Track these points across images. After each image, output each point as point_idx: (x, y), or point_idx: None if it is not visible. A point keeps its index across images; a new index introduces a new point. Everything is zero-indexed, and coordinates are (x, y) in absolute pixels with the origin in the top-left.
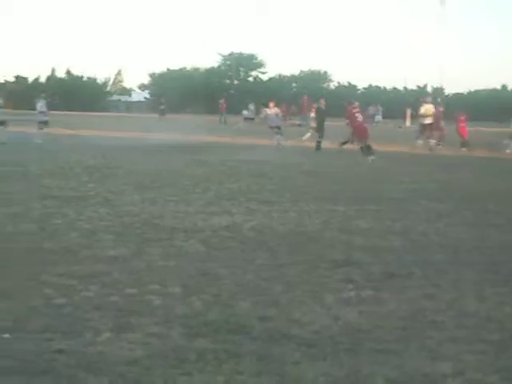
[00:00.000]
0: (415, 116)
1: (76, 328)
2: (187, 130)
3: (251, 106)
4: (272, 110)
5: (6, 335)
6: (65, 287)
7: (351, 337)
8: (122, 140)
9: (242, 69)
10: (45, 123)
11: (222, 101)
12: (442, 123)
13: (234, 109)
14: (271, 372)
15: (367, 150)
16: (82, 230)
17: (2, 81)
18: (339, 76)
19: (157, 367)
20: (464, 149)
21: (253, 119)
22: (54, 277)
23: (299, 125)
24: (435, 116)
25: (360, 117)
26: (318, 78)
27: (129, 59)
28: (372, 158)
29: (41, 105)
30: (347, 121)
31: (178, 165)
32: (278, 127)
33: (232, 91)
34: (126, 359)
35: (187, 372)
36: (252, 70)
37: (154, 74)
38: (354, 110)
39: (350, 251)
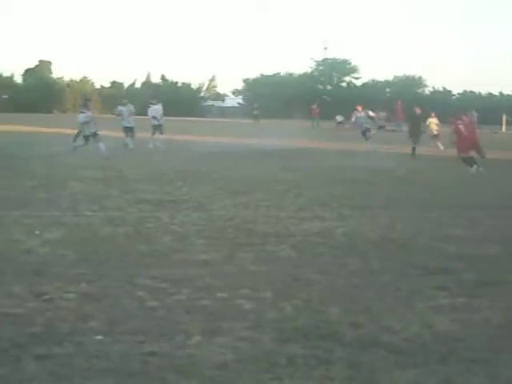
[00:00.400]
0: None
1: (168, 331)
2: (280, 135)
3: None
4: (361, 113)
5: (100, 337)
6: (157, 290)
7: (443, 345)
8: (216, 145)
9: (335, 74)
10: (156, 127)
11: (314, 106)
12: None
13: (327, 114)
14: (362, 379)
15: (469, 160)
16: (175, 233)
17: (99, 86)
18: (434, 81)
19: (247, 371)
20: None
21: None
22: (147, 280)
23: (393, 130)
24: None
25: (464, 128)
26: (413, 83)
27: (223, 65)
28: (475, 167)
29: (152, 110)
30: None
31: (270, 170)
32: (368, 130)
33: (325, 96)
34: (217, 363)
35: (277, 377)
36: (345, 75)
37: (247, 79)
38: (459, 122)
39: (443, 258)
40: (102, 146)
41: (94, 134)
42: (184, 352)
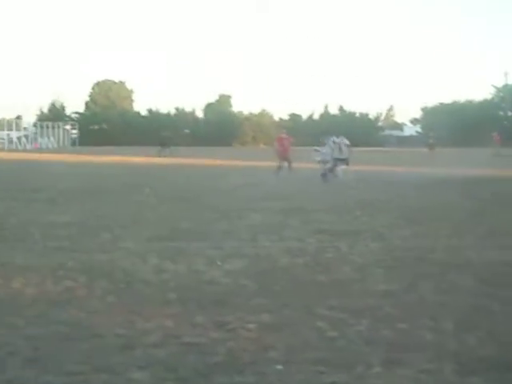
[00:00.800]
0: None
1: (347, 361)
2: (458, 163)
3: None
4: None
5: (280, 367)
6: (337, 320)
7: None
8: (393, 174)
9: None
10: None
11: (495, 133)
12: None
13: (509, 141)
14: None
15: None
16: (354, 263)
17: (277, 119)
18: None
19: None
20: None
21: None
22: (326, 310)
23: None
24: None
25: None
26: None
27: (401, 94)
28: None
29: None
30: None
31: (447, 198)
32: None
33: (506, 123)
34: None
35: None
36: None
37: (425, 107)
38: None
39: None
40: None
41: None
42: (364, 383)
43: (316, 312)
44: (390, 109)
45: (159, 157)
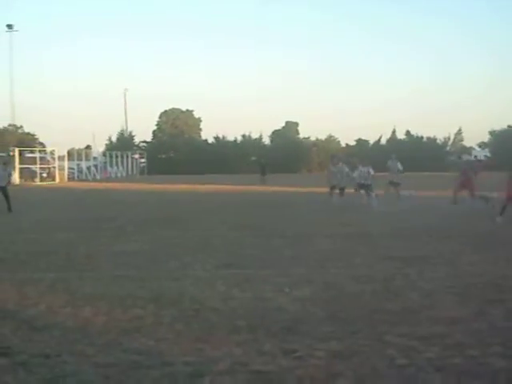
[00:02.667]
0: None
1: None
2: None
3: None
4: None
5: None
6: (407, 348)
7: None
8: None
9: None
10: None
11: None
12: None
13: None
14: None
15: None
16: (423, 290)
17: (344, 145)
18: None
19: None
20: None
21: None
22: (396, 337)
23: None
24: None
25: None
26: None
27: (468, 117)
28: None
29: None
30: None
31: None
32: None
33: None
34: None
35: None
36: None
37: (494, 131)
38: None
39: None
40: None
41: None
42: None
43: (385, 339)
44: (458, 132)
45: (263, 185)
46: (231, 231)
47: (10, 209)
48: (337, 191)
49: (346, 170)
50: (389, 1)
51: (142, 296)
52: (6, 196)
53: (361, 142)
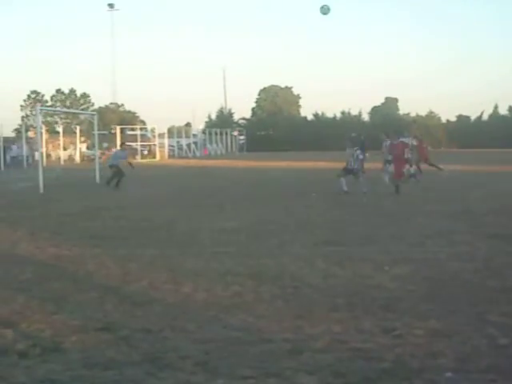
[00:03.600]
0: None
1: None
2: None
3: None
4: None
5: (449, 374)
6: (508, 327)
7: None
8: None
9: None
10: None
11: None
12: None
13: None
14: None
15: None
16: None
17: (444, 120)
18: None
19: None
20: None
21: None
22: (497, 316)
23: None
24: None
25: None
26: None
27: None
28: None
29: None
30: None
31: None
32: None
33: None
34: None
35: None
36: None
37: None
38: None
39: None
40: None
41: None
42: None
43: (486, 318)
44: None
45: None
46: (331, 209)
47: (111, 183)
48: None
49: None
50: None
51: (242, 273)
52: (116, 173)
53: (462, 118)
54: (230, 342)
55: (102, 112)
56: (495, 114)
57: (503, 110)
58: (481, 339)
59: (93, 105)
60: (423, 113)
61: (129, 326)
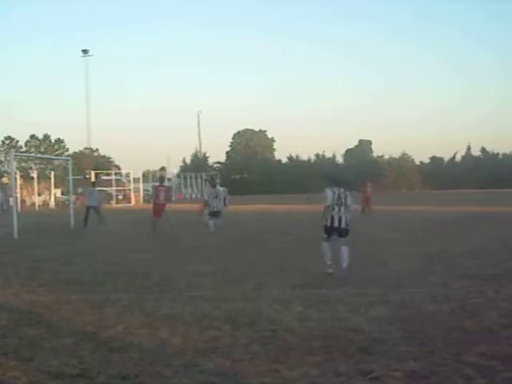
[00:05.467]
0: None
1: None
2: None
3: None
4: None
5: None
6: (485, 368)
7: None
8: None
9: None
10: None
11: None
12: None
13: None
14: None
15: None
16: (502, 309)
17: (418, 163)
18: None
19: None
20: None
21: None
22: (474, 357)
23: None
24: None
25: None
26: None
27: None
28: None
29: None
30: None
31: None
32: None
33: None
34: None
35: None
36: None
37: None
38: None
39: None
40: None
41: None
42: None
43: (463, 359)
44: None
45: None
46: (304, 252)
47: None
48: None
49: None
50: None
51: (218, 317)
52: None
53: (435, 160)
54: None
55: (77, 157)
56: (468, 156)
57: (476, 151)
58: (458, 380)
59: (67, 150)
60: (397, 155)
61: (105, 372)
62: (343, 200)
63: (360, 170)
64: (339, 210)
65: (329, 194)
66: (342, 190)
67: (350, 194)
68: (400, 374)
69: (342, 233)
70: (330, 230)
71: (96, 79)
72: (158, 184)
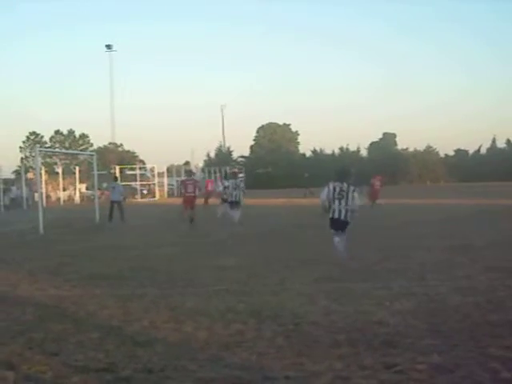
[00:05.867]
0: None
1: None
2: None
3: None
4: None
5: None
6: (511, 361)
7: None
8: None
9: None
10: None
11: None
12: None
13: None
14: None
15: None
16: None
17: (442, 155)
18: None
19: None
20: None
21: None
22: (499, 350)
23: None
24: None
25: None
26: None
27: None
28: None
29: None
30: None
31: None
32: None
33: None
34: None
35: None
36: None
37: None
38: None
39: None
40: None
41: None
42: None
43: (489, 352)
44: None
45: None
46: (328, 245)
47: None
48: None
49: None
50: None
51: (243, 310)
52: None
53: (460, 153)
54: (231, 380)
55: (101, 152)
56: (493, 148)
57: (501, 143)
58: (483, 373)
59: (92, 145)
60: (421, 147)
61: (130, 367)
62: (345, 194)
63: (383, 163)
64: (339, 203)
65: (326, 189)
66: (345, 184)
67: (357, 189)
68: (425, 367)
69: (342, 226)
70: (335, 224)
71: (120, 74)
72: (184, 178)
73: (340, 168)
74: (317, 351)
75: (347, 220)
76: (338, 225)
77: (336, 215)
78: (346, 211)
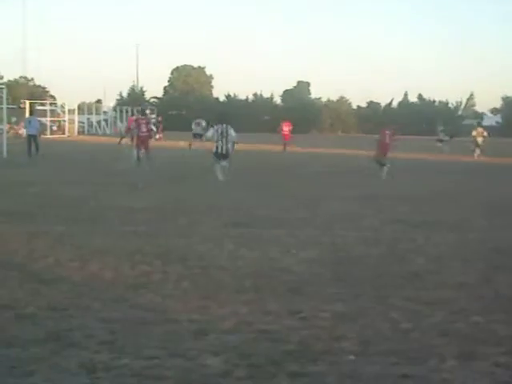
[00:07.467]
0: None
1: (421, 354)
2: None
3: None
4: None
5: (352, 357)
6: (411, 312)
7: None
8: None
9: None
10: None
11: None
12: None
13: None
14: None
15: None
16: (430, 255)
17: (355, 107)
18: None
19: None
20: None
21: None
22: (401, 301)
23: None
24: None
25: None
26: None
27: (481, 82)
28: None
29: None
30: None
31: None
32: None
33: None
34: None
35: None
36: None
37: (507, 97)
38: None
39: None
40: None
41: None
42: (438, 376)
43: (390, 303)
44: (470, 98)
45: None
46: (239, 191)
47: (37, 153)
48: None
49: None
50: None
51: (150, 252)
52: (37, 144)
53: (372, 105)
54: (135, 321)
55: (11, 86)
56: (405, 102)
57: (413, 98)
58: (384, 323)
59: (2, 78)
60: (334, 98)
61: (33, 304)
62: (225, 133)
63: (296, 111)
64: (222, 141)
65: (212, 130)
66: (224, 125)
67: (232, 128)
68: (328, 315)
69: (226, 157)
70: (220, 156)
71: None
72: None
73: (220, 113)
74: (222, 295)
75: (229, 152)
76: (224, 156)
77: (223, 150)
78: (228, 147)
